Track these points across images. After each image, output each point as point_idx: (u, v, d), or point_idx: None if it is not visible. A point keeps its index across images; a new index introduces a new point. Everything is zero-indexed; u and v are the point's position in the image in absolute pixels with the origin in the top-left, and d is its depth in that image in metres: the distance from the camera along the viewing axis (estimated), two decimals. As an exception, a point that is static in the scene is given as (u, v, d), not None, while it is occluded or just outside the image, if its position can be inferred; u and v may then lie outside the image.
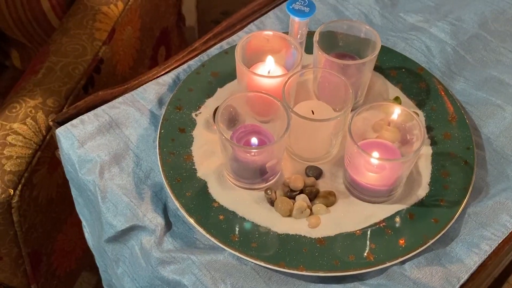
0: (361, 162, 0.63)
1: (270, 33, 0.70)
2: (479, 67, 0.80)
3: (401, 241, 0.61)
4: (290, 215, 0.63)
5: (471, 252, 0.61)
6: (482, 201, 0.65)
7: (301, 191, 0.65)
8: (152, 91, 0.75)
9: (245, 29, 0.83)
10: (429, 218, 0.63)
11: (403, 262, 0.61)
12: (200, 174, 0.67)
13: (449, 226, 0.62)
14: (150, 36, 1.21)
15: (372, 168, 0.63)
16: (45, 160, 0.88)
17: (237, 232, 0.62)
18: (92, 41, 0.99)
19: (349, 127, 0.61)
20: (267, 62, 0.70)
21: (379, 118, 0.67)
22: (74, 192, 0.76)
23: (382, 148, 0.65)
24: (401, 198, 0.65)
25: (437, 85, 0.75)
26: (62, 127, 0.71)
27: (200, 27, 1.59)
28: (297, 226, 0.63)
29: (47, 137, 0.87)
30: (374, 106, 0.64)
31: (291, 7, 0.68)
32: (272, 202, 0.64)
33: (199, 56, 0.80)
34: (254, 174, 0.64)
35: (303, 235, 0.62)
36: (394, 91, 0.75)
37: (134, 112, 0.73)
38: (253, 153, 0.62)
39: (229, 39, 0.82)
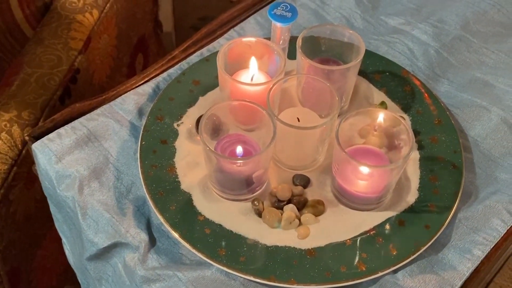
0: (350, 170, 0.61)
1: (252, 39, 0.69)
2: (463, 69, 0.79)
3: (392, 249, 0.60)
4: (278, 226, 0.62)
5: (463, 258, 0.60)
6: (472, 206, 0.64)
7: (289, 201, 0.63)
8: (131, 102, 0.73)
9: (226, 35, 0.82)
10: (419, 224, 0.61)
11: (395, 271, 0.59)
12: (184, 186, 0.65)
13: (440, 232, 0.61)
14: (127, 43, 1.18)
15: (361, 175, 0.61)
16: (21, 175, 0.85)
17: (224, 246, 0.60)
18: (67, 50, 0.96)
19: (337, 134, 0.59)
20: (250, 66, 0.68)
21: (365, 123, 0.65)
22: (52, 209, 0.73)
23: (370, 154, 0.63)
24: (391, 204, 0.64)
25: (422, 88, 0.74)
26: (39, 141, 0.68)
27: (178, 33, 1.57)
28: (286, 238, 0.61)
29: (23, 151, 0.84)
30: (361, 112, 0.63)
31: (273, 12, 0.67)
32: (259, 213, 0.62)
33: (179, 64, 0.78)
34: (240, 185, 0.62)
35: (292, 246, 0.60)
36: (379, 95, 0.74)
37: (113, 123, 0.70)
38: (238, 164, 0.60)
39: (210, 46, 0.80)
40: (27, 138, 0.70)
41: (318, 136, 0.63)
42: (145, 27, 1.28)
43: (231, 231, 0.61)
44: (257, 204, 0.63)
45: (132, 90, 0.75)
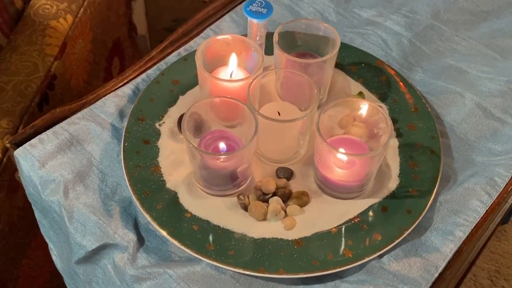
0: (331, 159, 0.63)
1: (229, 36, 0.69)
2: (436, 57, 0.81)
3: (377, 235, 0.61)
4: (265, 219, 0.63)
5: (446, 239, 0.62)
6: (451, 189, 0.66)
7: (274, 194, 0.64)
8: (112, 104, 0.73)
9: (202, 34, 0.82)
10: (402, 209, 0.63)
11: (381, 256, 0.61)
12: (169, 185, 0.65)
13: (422, 215, 0.62)
14: (103, 47, 1.18)
15: (342, 164, 0.62)
16: (3, 184, 0.84)
17: (212, 241, 0.61)
18: (43, 57, 0.96)
19: (317, 125, 0.61)
20: (229, 62, 0.69)
21: (344, 114, 0.67)
22: (37, 215, 0.73)
23: (350, 144, 0.65)
24: (373, 192, 0.65)
25: (397, 77, 0.75)
26: (21, 148, 0.68)
27: (152, 35, 1.57)
28: (273, 229, 0.62)
29: (4, 159, 0.83)
30: (340, 102, 0.64)
31: (248, 9, 0.68)
32: (245, 207, 0.63)
33: (157, 65, 0.78)
34: (225, 181, 0.63)
35: (279, 238, 0.61)
36: (356, 86, 0.75)
37: (94, 127, 0.71)
38: (222, 159, 0.61)
39: (187, 46, 0.81)
40: (8, 145, 0.69)
41: (299, 128, 0.64)
42: (119, 30, 1.28)
43: (219, 226, 0.62)
44: (243, 198, 0.63)
45: (111, 93, 0.75)
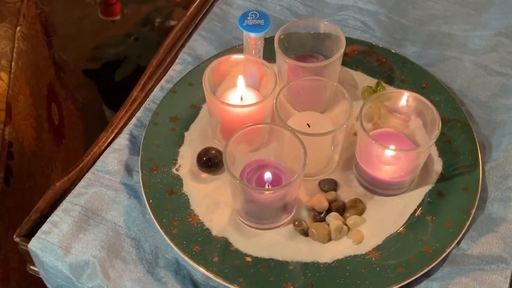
0: (379, 158, 0.59)
1: (233, 56, 0.64)
2: (418, 27, 0.80)
3: (446, 223, 0.59)
4: (330, 239, 0.58)
5: (508, 207, 0.61)
6: (491, 155, 0.65)
7: (328, 210, 0.60)
8: (113, 161, 0.65)
9: (178, 60, 0.76)
10: (458, 189, 0.61)
11: (458, 242, 0.59)
12: (216, 232, 0.59)
13: (479, 190, 0.61)
14: (40, 97, 1.08)
15: (391, 161, 0.60)
16: (-2, 279, 0.74)
17: (288, 279, 0.56)
18: (-8, 126, 0.85)
19: (363, 126, 0.57)
20: (238, 85, 0.64)
21: (366, 106, 0.63)
22: (67, 305, 0.64)
23: (391, 137, 0.62)
24: (422, 179, 0.62)
25: (394, 56, 0.73)
26: (34, 239, 0.59)
27: (72, 70, 1.45)
28: (342, 248, 0.58)
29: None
30: (374, 97, 0.61)
31: (244, 24, 0.62)
32: (305, 233, 0.59)
33: (143, 105, 0.71)
34: (277, 212, 0.58)
35: (353, 254, 0.57)
36: (358, 76, 0.72)
37: (105, 191, 0.63)
38: (274, 192, 0.56)
39: (167, 76, 0.74)
40: (17, 240, 0.60)
41: (335, 136, 0.60)
42: (48, 74, 1.17)
43: (287, 262, 0.57)
44: (299, 224, 0.59)
45: (107, 149, 0.67)
